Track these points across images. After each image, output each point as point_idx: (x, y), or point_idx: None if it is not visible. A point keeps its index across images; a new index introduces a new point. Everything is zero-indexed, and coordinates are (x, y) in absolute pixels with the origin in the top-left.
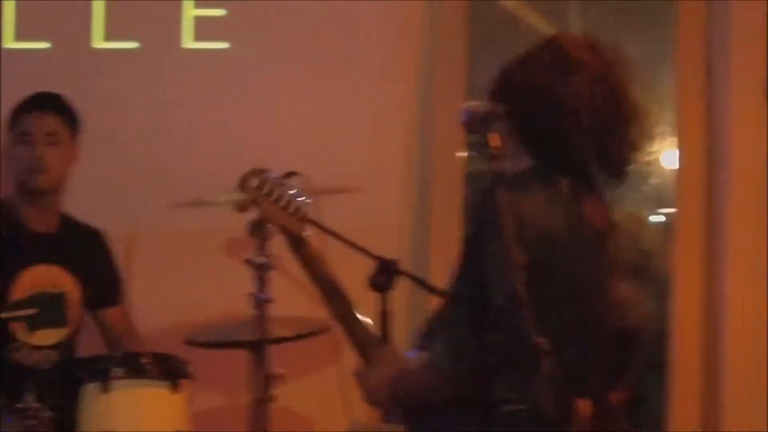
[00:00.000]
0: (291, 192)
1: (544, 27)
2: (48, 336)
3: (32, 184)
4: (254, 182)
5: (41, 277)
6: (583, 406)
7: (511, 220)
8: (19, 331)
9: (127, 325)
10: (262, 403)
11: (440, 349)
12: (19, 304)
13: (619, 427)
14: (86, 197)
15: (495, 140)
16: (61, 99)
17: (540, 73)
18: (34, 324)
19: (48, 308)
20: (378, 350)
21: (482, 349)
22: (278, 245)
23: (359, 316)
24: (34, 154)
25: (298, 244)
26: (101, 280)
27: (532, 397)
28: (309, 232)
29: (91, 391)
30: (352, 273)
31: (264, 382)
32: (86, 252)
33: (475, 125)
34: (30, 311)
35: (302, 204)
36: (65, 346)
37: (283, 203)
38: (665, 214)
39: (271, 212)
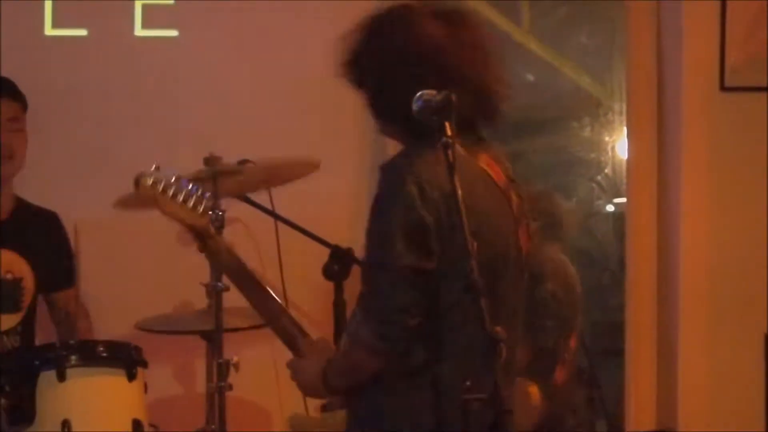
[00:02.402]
0: (189, 187)
1: (495, 20)
2: (4, 321)
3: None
4: (148, 181)
5: None
6: (533, 392)
7: (416, 188)
8: None
9: (79, 307)
10: (218, 391)
11: (359, 322)
12: None
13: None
14: (38, 184)
15: (450, 128)
16: (12, 82)
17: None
18: None
19: (4, 295)
20: (305, 341)
21: (405, 314)
22: (234, 234)
23: (281, 307)
24: (0, 142)
25: (204, 239)
26: (54, 263)
27: (491, 386)
28: (212, 227)
29: (47, 378)
30: (306, 261)
31: (220, 370)
32: (40, 235)
33: (430, 114)
34: None
35: (203, 197)
36: (21, 332)
37: (181, 198)
38: (617, 204)
39: (171, 209)
